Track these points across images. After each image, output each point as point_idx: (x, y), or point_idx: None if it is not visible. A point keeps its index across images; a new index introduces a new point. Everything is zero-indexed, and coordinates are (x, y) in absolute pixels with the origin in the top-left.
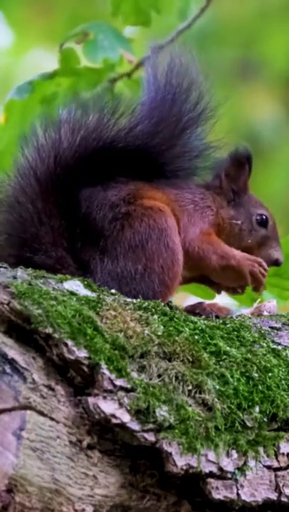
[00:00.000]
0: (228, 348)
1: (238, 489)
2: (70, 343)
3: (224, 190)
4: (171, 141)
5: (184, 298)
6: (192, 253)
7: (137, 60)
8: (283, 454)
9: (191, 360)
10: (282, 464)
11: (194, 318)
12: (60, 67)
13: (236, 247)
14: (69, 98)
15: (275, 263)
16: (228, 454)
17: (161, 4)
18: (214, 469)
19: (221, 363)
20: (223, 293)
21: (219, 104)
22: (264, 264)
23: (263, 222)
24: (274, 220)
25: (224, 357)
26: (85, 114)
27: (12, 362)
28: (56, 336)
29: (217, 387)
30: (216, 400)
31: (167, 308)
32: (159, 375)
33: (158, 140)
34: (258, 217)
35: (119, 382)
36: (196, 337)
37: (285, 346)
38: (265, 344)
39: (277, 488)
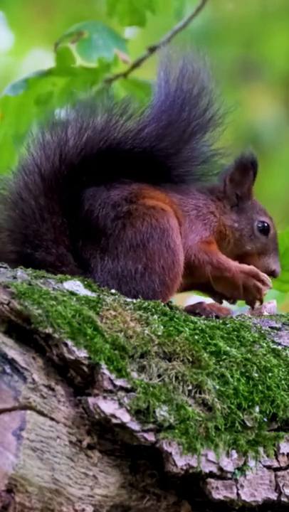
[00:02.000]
0: (228, 348)
1: (238, 489)
2: (70, 343)
3: (228, 195)
4: (179, 145)
5: (184, 298)
6: (188, 260)
7: (132, 59)
8: (283, 454)
9: (191, 360)
10: (282, 464)
11: (194, 318)
12: (55, 66)
13: (236, 252)
14: (65, 98)
15: (272, 274)
16: (228, 454)
17: (156, 4)
18: (214, 469)
19: (221, 363)
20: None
21: (228, 111)
22: (261, 276)
23: (265, 230)
24: (276, 230)
25: (224, 357)
26: (93, 114)
27: (12, 362)
28: (56, 336)
29: (217, 387)
30: (216, 399)
31: (167, 308)
32: (159, 375)
33: (165, 143)
34: (260, 225)
35: (119, 382)
36: (196, 337)
37: (285, 346)
38: (265, 344)
39: (277, 488)
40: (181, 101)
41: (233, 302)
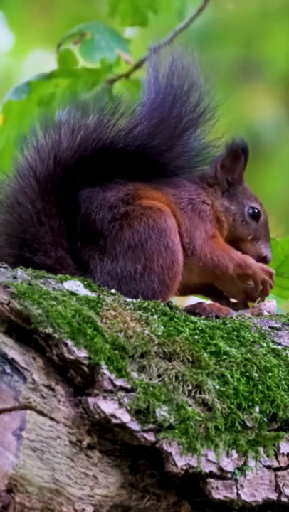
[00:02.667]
0: (228, 348)
1: (238, 489)
2: (70, 343)
3: (219, 181)
4: (171, 141)
5: (184, 298)
6: (206, 260)
7: (134, 60)
8: (283, 454)
9: (191, 360)
10: (282, 464)
11: (194, 318)
12: (57, 67)
13: (231, 238)
14: (67, 99)
15: (264, 259)
16: (228, 454)
17: (158, 4)
18: (214, 469)
19: (221, 363)
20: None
21: (219, 105)
22: (274, 275)
23: (255, 216)
24: (266, 216)
25: (224, 357)
26: (85, 114)
27: (12, 362)
28: (56, 336)
29: (217, 387)
30: (216, 399)
31: (167, 308)
32: (159, 375)
33: (158, 141)
34: (250, 210)
35: (119, 382)
36: (196, 337)
37: (285, 346)
38: (265, 344)
39: (277, 488)
40: (172, 97)
41: (244, 307)
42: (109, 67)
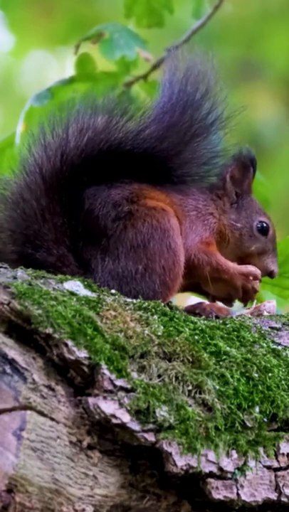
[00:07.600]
0: (228, 348)
1: (238, 489)
2: (70, 343)
3: (228, 192)
4: (180, 146)
5: (184, 298)
6: (188, 260)
7: (153, 59)
8: (283, 454)
9: (191, 360)
10: (282, 464)
11: (194, 319)
12: (76, 72)
13: (238, 253)
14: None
15: (270, 274)
16: (228, 454)
17: (173, 4)
18: (214, 469)
19: (221, 363)
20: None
21: (232, 115)
22: (259, 275)
23: (264, 230)
24: (274, 230)
25: (224, 357)
26: (94, 115)
27: (12, 362)
28: (56, 336)
29: (217, 387)
30: (216, 400)
31: (167, 309)
32: (159, 375)
33: (166, 145)
34: (259, 225)
35: (119, 382)
36: (196, 337)
37: (285, 346)
38: (265, 344)
39: (277, 488)
40: (184, 103)
41: (228, 303)
42: (126, 68)
